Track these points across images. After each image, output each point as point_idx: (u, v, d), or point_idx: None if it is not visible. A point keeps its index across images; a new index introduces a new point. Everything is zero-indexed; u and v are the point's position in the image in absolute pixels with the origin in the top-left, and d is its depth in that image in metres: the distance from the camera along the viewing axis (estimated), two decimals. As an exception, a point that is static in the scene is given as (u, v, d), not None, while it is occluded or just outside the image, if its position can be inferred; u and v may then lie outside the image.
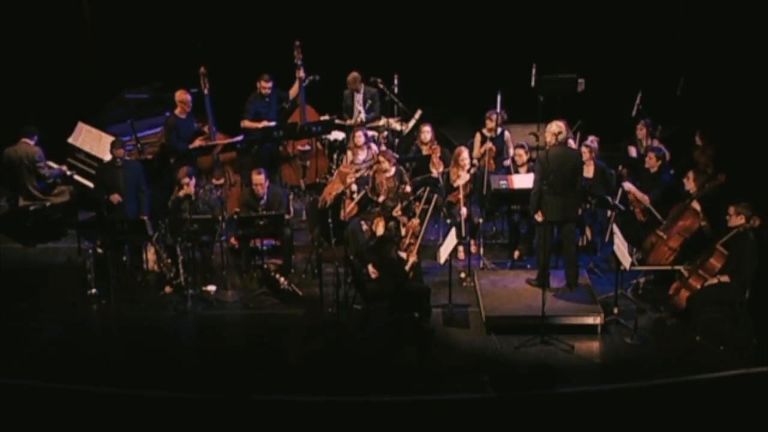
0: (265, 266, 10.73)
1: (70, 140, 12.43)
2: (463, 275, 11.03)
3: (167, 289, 10.79)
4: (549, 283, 10.26)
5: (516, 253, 11.44)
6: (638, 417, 8.83)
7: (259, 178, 10.93)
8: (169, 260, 10.77)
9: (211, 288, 10.81)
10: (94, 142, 12.13)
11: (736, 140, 11.95)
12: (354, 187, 11.18)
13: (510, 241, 11.59)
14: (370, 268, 10.09)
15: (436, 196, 11.21)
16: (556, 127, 10.28)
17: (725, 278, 9.81)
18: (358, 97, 12.80)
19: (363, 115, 12.62)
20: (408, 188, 11.12)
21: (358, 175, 11.41)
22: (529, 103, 11.07)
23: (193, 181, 10.90)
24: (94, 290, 10.66)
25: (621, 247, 9.90)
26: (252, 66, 12.68)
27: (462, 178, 11.37)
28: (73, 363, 9.55)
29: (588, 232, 11.43)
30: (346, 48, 13.74)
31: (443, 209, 11.53)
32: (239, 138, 12.10)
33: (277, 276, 10.60)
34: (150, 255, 11.08)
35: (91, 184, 11.81)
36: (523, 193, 10.93)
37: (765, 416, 8.68)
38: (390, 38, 14.16)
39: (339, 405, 8.94)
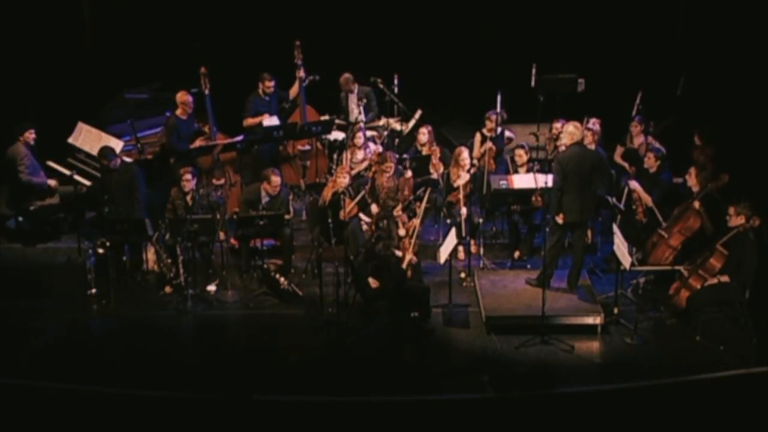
0: (265, 266, 10.73)
1: (70, 140, 12.40)
2: (463, 275, 11.03)
3: (167, 289, 10.80)
4: (549, 284, 10.26)
5: (516, 253, 11.44)
6: (638, 417, 8.82)
7: (276, 180, 10.95)
8: (169, 260, 10.77)
9: (212, 288, 10.82)
10: (94, 142, 12.11)
11: (736, 140, 11.94)
12: (346, 181, 11.08)
13: (510, 241, 11.59)
14: (370, 280, 10.10)
15: (436, 196, 11.20)
16: (573, 127, 10.25)
17: (725, 278, 9.80)
18: (353, 98, 12.81)
19: (362, 116, 12.62)
20: (407, 190, 11.13)
21: (354, 172, 11.42)
22: (529, 103, 11.07)
23: (194, 180, 10.89)
24: (94, 290, 10.66)
25: (621, 247, 9.89)
26: (252, 66, 12.68)
27: (462, 178, 11.36)
28: (73, 363, 9.55)
29: (588, 232, 11.41)
30: (346, 48, 13.72)
31: (443, 209, 11.53)
32: (239, 138, 12.10)
33: (277, 276, 10.60)
34: (150, 255, 11.08)
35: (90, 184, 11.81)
36: (524, 193, 10.93)
37: (765, 416, 8.68)
38: (390, 38, 14.15)
39: (339, 405, 8.94)
